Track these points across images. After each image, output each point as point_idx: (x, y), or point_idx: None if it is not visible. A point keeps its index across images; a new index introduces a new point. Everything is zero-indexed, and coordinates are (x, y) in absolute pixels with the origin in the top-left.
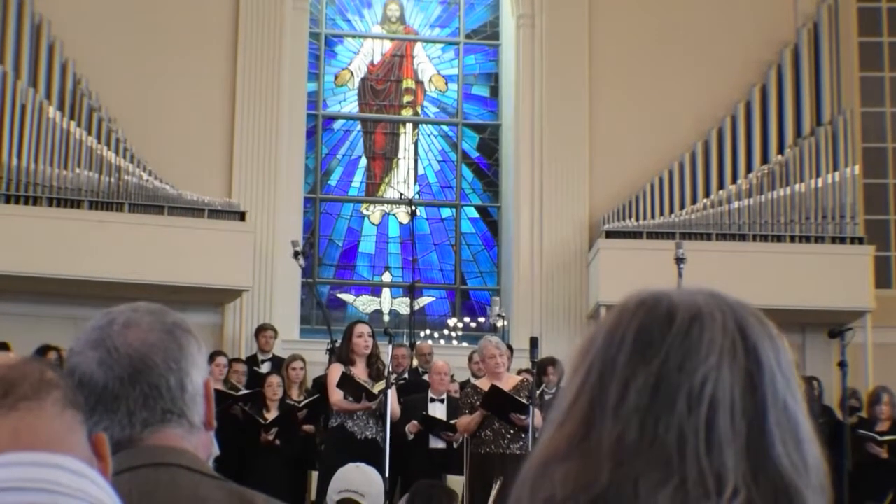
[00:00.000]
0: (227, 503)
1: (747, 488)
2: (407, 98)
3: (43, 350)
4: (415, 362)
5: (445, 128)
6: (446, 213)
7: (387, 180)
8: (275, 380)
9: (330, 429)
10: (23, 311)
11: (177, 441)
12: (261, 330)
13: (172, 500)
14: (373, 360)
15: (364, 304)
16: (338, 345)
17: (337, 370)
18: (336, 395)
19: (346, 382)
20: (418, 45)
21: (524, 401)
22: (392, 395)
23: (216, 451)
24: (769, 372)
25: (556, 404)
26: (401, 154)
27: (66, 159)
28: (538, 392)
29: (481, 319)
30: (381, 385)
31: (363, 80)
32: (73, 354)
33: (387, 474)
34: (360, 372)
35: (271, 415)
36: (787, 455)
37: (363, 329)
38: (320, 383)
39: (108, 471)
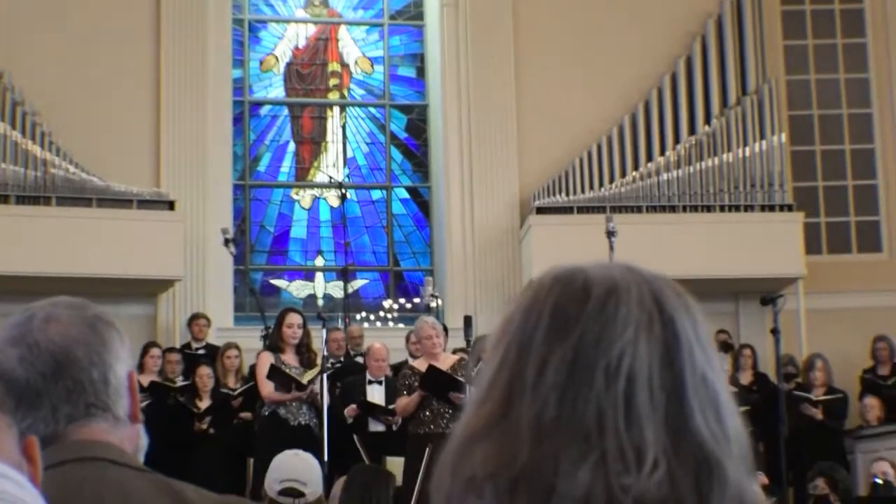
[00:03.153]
0: (154, 495)
1: (667, 461)
2: (333, 81)
3: None
4: (348, 345)
5: (373, 110)
6: (377, 195)
7: (316, 164)
8: (205, 371)
9: (263, 416)
10: None
11: (102, 435)
12: (193, 319)
13: (99, 494)
14: (302, 348)
15: (297, 289)
16: (271, 331)
17: (266, 359)
18: (266, 388)
19: (275, 374)
20: (343, 28)
21: (462, 380)
22: (324, 381)
23: (145, 443)
24: (686, 344)
25: (476, 382)
26: (329, 138)
27: None
28: (475, 371)
29: (416, 300)
30: (311, 373)
31: (288, 64)
32: None
33: (325, 459)
34: (290, 359)
35: (204, 404)
36: (707, 426)
37: (293, 319)
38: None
39: (38, 474)
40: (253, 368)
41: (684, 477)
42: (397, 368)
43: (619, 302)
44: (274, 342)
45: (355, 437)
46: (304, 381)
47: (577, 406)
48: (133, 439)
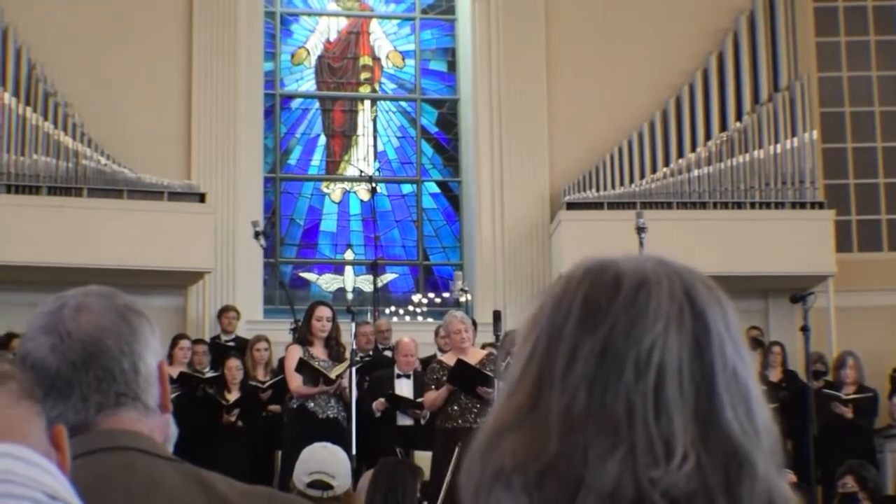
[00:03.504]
0: (183, 485)
1: (697, 454)
2: (364, 75)
3: (8, 337)
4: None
5: (404, 104)
6: (407, 189)
7: (346, 158)
8: (234, 363)
9: (291, 409)
10: None
11: (132, 424)
12: (223, 311)
13: (128, 483)
14: (331, 342)
15: (327, 282)
16: (300, 324)
17: (294, 352)
18: (294, 381)
19: (303, 368)
20: (374, 22)
21: (490, 374)
22: (351, 375)
23: (174, 432)
24: (717, 337)
25: (506, 375)
26: (360, 131)
27: (23, 145)
28: (504, 365)
29: (445, 294)
30: (339, 368)
31: (320, 58)
32: (25, 341)
33: (353, 453)
34: (318, 352)
35: (233, 396)
36: (736, 420)
37: (323, 312)
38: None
39: (66, 462)
40: (282, 361)
41: (714, 470)
42: (426, 363)
43: (650, 294)
44: (303, 335)
45: (398, 451)
46: (333, 375)
47: (607, 398)
48: (163, 429)
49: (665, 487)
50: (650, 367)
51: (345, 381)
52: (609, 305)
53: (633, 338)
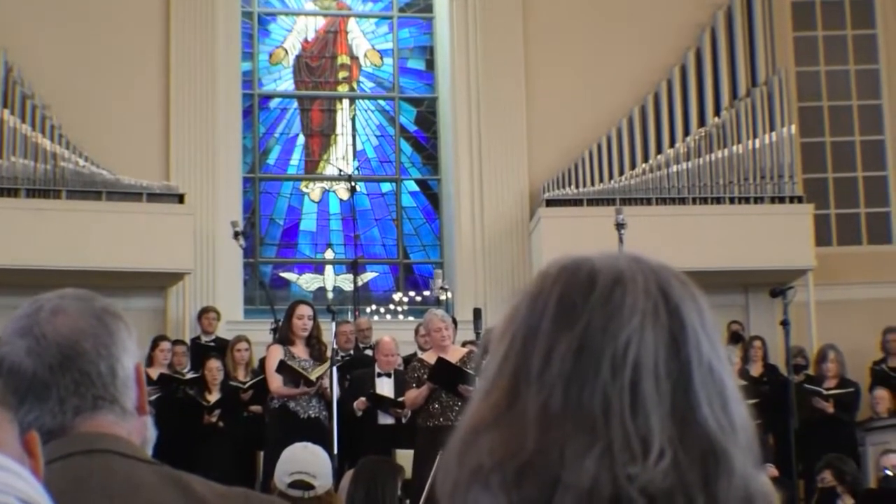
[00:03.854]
0: (162, 487)
1: (673, 450)
2: (342, 74)
3: None
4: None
5: (382, 102)
6: (386, 187)
7: (325, 157)
8: (214, 363)
9: (272, 409)
10: None
11: (109, 427)
12: (203, 312)
13: (107, 486)
14: (312, 340)
15: (307, 282)
16: (281, 324)
17: (275, 352)
18: (275, 382)
19: (284, 369)
20: (352, 21)
21: (471, 372)
22: (334, 374)
23: (153, 435)
24: (692, 333)
25: (482, 373)
26: (339, 130)
27: (1, 148)
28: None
29: (426, 293)
30: (320, 370)
31: (298, 57)
32: (1, 344)
33: (335, 452)
34: (300, 351)
35: (213, 397)
36: (713, 416)
37: (304, 311)
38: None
39: (39, 468)
40: (262, 361)
41: (690, 466)
42: (408, 361)
43: (625, 291)
44: (284, 334)
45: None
46: (313, 377)
47: (584, 395)
48: (141, 431)
49: (643, 484)
50: (626, 363)
51: (326, 382)
52: (584, 303)
53: (609, 334)
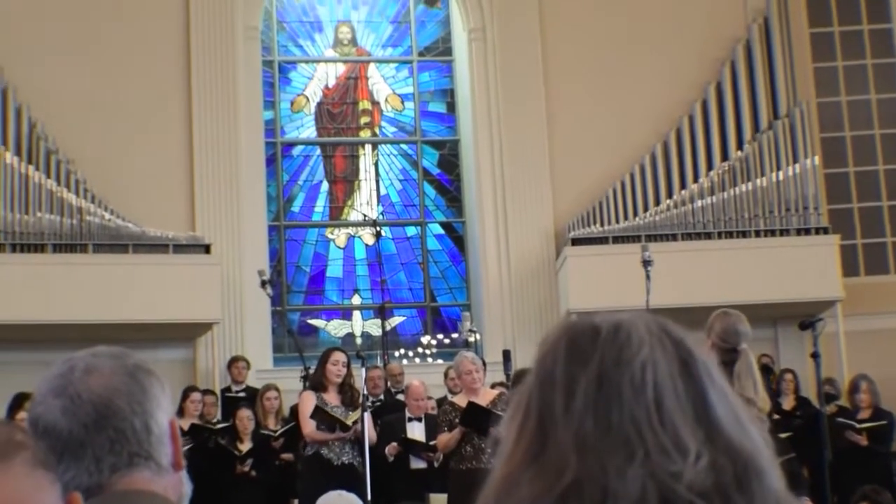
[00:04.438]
0: None
1: (709, 453)
2: (364, 119)
3: (18, 397)
4: (388, 383)
5: (404, 146)
6: (411, 231)
7: (350, 203)
8: (245, 413)
9: (306, 457)
10: None
11: (146, 484)
12: (233, 361)
13: None
14: (345, 387)
15: (335, 328)
16: (311, 371)
17: (309, 398)
18: (308, 426)
19: (319, 413)
20: (372, 66)
21: (502, 414)
22: (368, 420)
23: (188, 489)
24: (701, 361)
25: (503, 436)
26: (362, 176)
27: (27, 204)
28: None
29: (454, 335)
30: (355, 415)
31: (319, 104)
32: (35, 404)
33: (368, 499)
34: (332, 398)
35: (245, 446)
36: (736, 431)
37: (339, 357)
38: (297, 411)
39: None
40: (293, 409)
41: (726, 468)
42: (440, 404)
43: (629, 331)
44: (317, 380)
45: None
46: (349, 422)
47: (612, 417)
48: (177, 487)
49: (689, 481)
50: (646, 384)
51: (359, 426)
52: (593, 345)
53: (624, 363)
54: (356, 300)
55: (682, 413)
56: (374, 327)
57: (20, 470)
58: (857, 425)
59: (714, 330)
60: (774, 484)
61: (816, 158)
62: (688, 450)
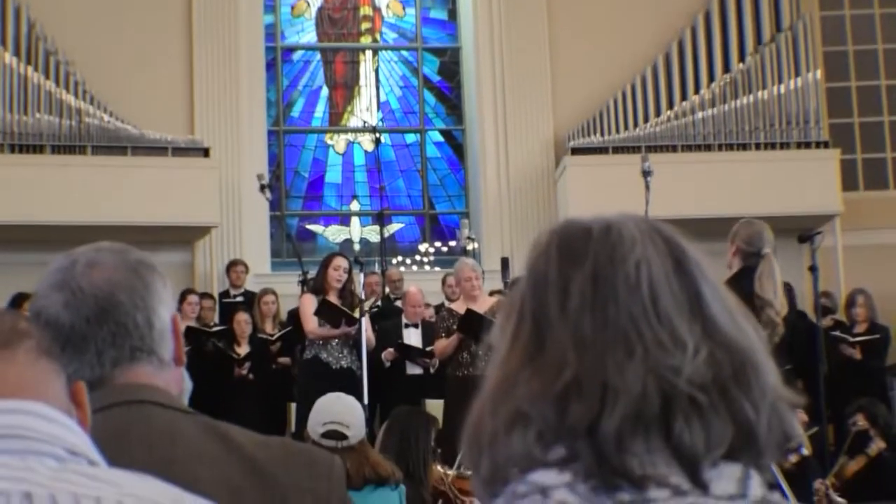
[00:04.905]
0: (201, 437)
1: (707, 347)
2: (365, 25)
3: (18, 297)
4: (386, 289)
5: (405, 53)
6: (411, 138)
7: (349, 109)
8: (242, 316)
9: (304, 360)
10: None
11: (148, 378)
12: (231, 265)
13: (146, 436)
14: (345, 292)
15: (333, 234)
16: (309, 276)
17: (309, 300)
18: (311, 324)
19: (326, 308)
20: None
21: None
22: (366, 323)
23: (189, 386)
24: (693, 258)
25: (496, 344)
26: (362, 82)
27: (26, 105)
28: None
29: (452, 243)
30: (368, 303)
31: (320, 9)
32: (37, 298)
33: (365, 402)
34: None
35: (243, 350)
36: (731, 326)
37: (340, 262)
38: (294, 315)
39: (86, 418)
40: (291, 313)
41: (724, 362)
42: (438, 310)
43: (620, 230)
44: (318, 285)
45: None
46: (356, 314)
47: (609, 314)
48: (178, 382)
49: (689, 375)
50: (640, 281)
51: (353, 329)
52: (585, 245)
53: (617, 261)
54: (354, 206)
55: (678, 309)
56: (373, 234)
57: (24, 358)
58: (851, 339)
59: (739, 235)
60: (771, 378)
61: (818, 72)
62: (685, 344)
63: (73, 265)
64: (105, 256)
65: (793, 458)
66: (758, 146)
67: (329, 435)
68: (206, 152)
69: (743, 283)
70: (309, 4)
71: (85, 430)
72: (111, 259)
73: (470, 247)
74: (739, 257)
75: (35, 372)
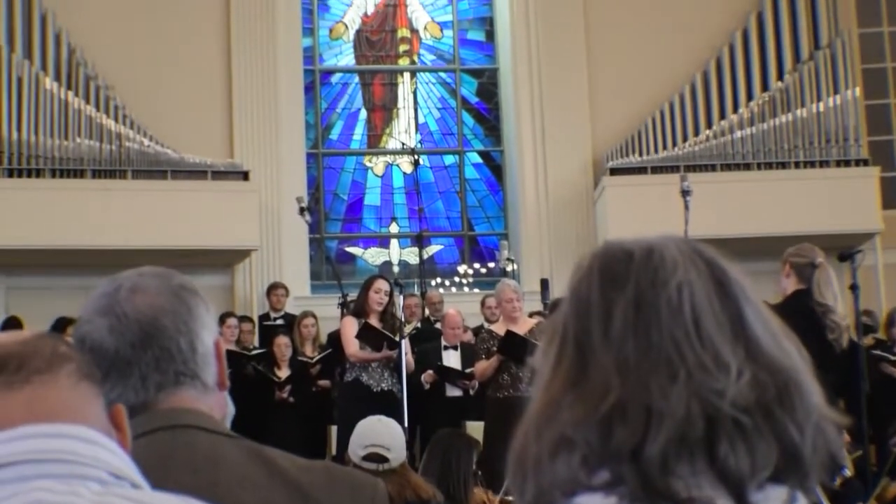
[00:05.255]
0: (245, 461)
1: (750, 370)
2: (403, 47)
3: (61, 322)
4: (426, 311)
5: (443, 75)
6: (449, 160)
7: (388, 131)
8: (282, 339)
9: (345, 383)
10: (34, 285)
11: (191, 402)
12: (272, 288)
13: (191, 461)
14: (387, 315)
15: (373, 256)
16: (349, 299)
17: (351, 323)
18: (353, 347)
19: (367, 331)
20: None
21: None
22: (406, 346)
23: (231, 410)
24: (735, 280)
25: (539, 365)
26: (400, 104)
27: (66, 130)
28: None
29: (491, 265)
30: (409, 326)
31: (358, 31)
32: (82, 323)
33: (406, 425)
34: (374, 325)
35: (283, 373)
36: (774, 347)
37: (381, 285)
38: (334, 338)
39: (126, 441)
40: (331, 336)
41: (768, 384)
42: (477, 332)
43: (662, 254)
44: (359, 307)
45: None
46: (397, 338)
47: (652, 338)
48: (221, 406)
49: (732, 397)
50: (683, 304)
51: (395, 354)
52: (627, 269)
53: (660, 284)
54: (394, 228)
55: (721, 331)
56: (412, 256)
57: (66, 382)
58: (893, 357)
59: (790, 253)
60: (815, 399)
61: (857, 89)
62: (729, 367)
63: (117, 290)
64: (148, 281)
65: (837, 481)
66: (797, 165)
67: (370, 458)
68: (245, 175)
69: (801, 299)
70: (347, 27)
71: (126, 452)
72: (154, 284)
73: (509, 268)
74: (795, 273)
75: (76, 395)
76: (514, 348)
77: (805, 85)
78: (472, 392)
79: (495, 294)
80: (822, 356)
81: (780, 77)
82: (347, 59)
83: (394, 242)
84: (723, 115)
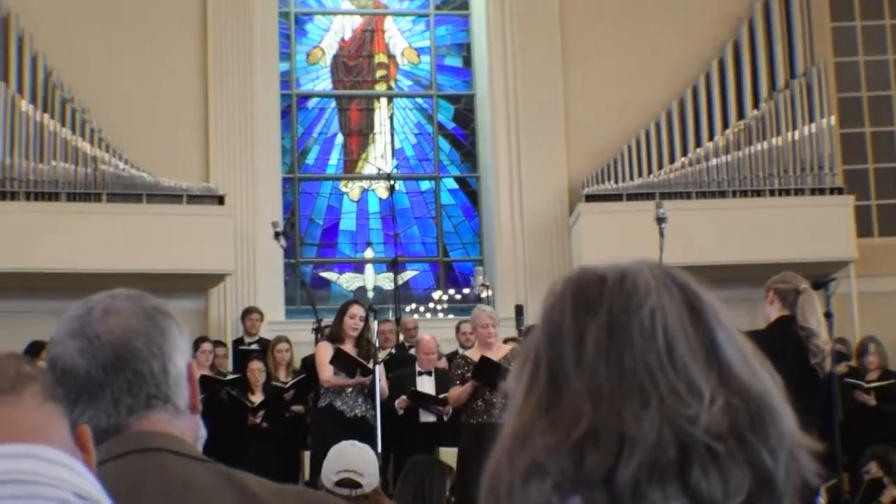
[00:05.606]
0: (217, 485)
1: (723, 396)
2: (380, 73)
3: (35, 346)
4: (400, 337)
5: (420, 100)
6: (425, 185)
7: (364, 156)
8: (256, 364)
9: (319, 408)
10: (6, 308)
11: (163, 426)
12: (247, 313)
13: (162, 484)
14: (362, 341)
15: (347, 281)
16: (323, 324)
17: (325, 348)
18: (326, 373)
19: (341, 358)
20: (388, 19)
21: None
22: (380, 372)
23: (203, 434)
24: (709, 305)
25: (511, 390)
26: (377, 129)
27: (42, 152)
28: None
29: (466, 290)
30: (380, 355)
31: (335, 56)
32: (53, 345)
33: (379, 450)
34: (349, 351)
35: (257, 398)
36: (748, 373)
37: (357, 311)
38: (308, 363)
39: (91, 462)
40: (304, 361)
41: (741, 410)
42: (452, 358)
43: (634, 279)
44: (335, 333)
45: None
46: (370, 365)
47: (625, 364)
48: (193, 430)
49: (705, 424)
50: (656, 330)
51: (367, 380)
52: (599, 294)
53: (632, 310)
54: (369, 253)
55: (694, 357)
56: (387, 281)
57: (30, 402)
58: (865, 384)
59: (773, 281)
60: (788, 424)
61: (833, 118)
62: (702, 393)
63: (89, 312)
64: (121, 303)
65: None
66: (772, 192)
67: (343, 483)
68: (220, 200)
69: (786, 325)
70: (324, 52)
71: (92, 473)
72: (127, 306)
73: (484, 294)
74: (778, 299)
75: (41, 416)
76: (489, 374)
77: (781, 113)
78: (445, 418)
79: (471, 320)
80: (806, 381)
81: (756, 105)
82: (324, 83)
83: (369, 268)
84: (698, 143)
